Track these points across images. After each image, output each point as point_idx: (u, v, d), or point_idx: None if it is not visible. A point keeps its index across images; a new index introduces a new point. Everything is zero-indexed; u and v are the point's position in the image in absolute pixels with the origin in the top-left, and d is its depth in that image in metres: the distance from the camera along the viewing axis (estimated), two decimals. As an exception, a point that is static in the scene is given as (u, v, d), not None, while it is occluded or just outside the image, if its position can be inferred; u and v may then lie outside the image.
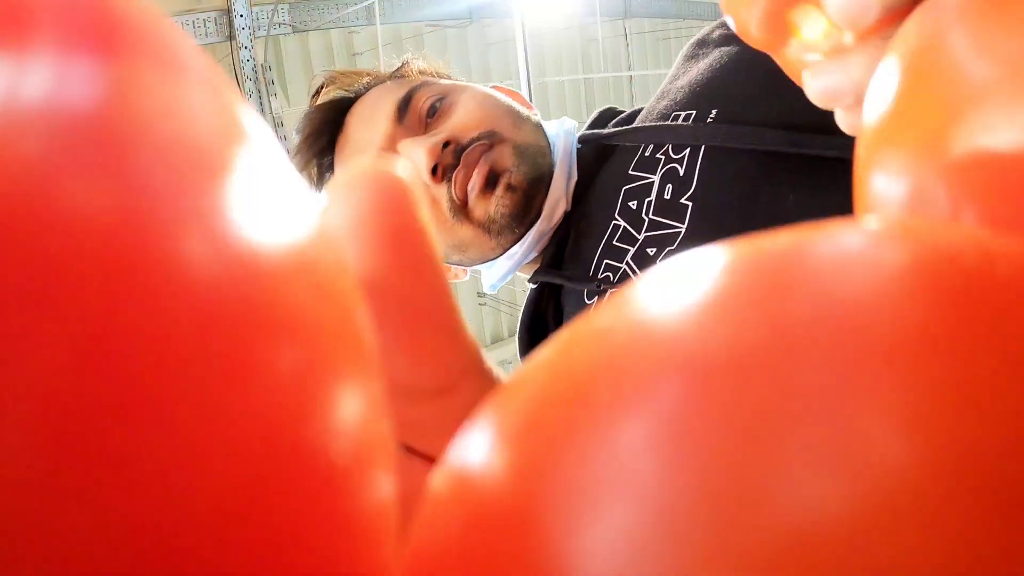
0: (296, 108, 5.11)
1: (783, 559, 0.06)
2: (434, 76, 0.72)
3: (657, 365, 0.07)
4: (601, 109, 0.72)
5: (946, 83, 0.13)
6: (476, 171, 0.59)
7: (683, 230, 0.53)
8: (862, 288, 0.07)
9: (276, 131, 4.25)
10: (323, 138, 0.69)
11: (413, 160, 0.61)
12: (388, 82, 0.69)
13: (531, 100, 2.90)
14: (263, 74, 4.07)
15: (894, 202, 0.14)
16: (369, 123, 0.66)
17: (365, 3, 4.27)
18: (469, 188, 0.60)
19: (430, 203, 0.62)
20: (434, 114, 0.64)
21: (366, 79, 0.71)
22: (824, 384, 0.06)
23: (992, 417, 0.06)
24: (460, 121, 0.62)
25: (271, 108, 4.16)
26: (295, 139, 0.72)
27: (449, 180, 0.60)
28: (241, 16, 3.96)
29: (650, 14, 5.95)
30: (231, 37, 4.05)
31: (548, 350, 0.09)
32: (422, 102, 0.64)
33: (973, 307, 0.07)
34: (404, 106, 0.64)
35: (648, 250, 0.54)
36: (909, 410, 0.06)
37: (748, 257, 0.08)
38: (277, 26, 4.25)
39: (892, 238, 0.08)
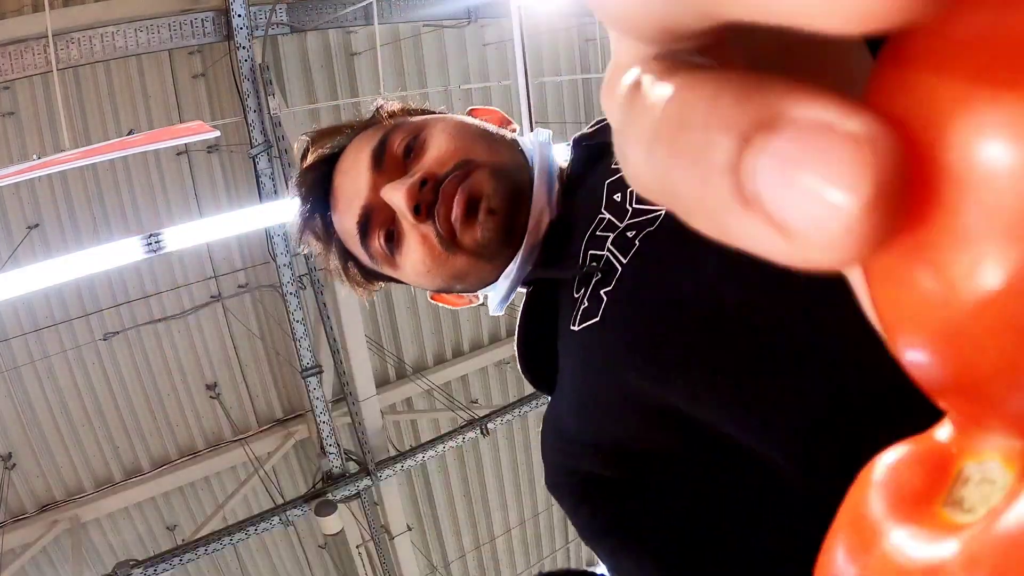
0: (294, 108, 5.10)
1: None
2: (405, 116, 0.73)
3: None
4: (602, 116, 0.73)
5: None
6: (455, 201, 0.61)
7: (663, 212, 0.52)
8: None
9: (274, 132, 4.24)
10: (317, 196, 0.71)
11: (395, 205, 0.62)
12: (367, 131, 0.71)
13: (529, 100, 2.89)
14: (261, 74, 4.06)
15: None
16: (352, 175, 0.67)
17: (363, 3, 4.27)
18: (453, 219, 0.61)
19: (420, 240, 0.63)
20: (410, 154, 0.65)
21: (346, 132, 0.73)
22: None
23: None
24: (433, 157, 0.64)
25: (269, 108, 4.15)
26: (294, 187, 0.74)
27: (433, 216, 0.62)
28: (239, 16, 3.95)
29: (648, 14, 5.93)
30: (229, 37, 4.04)
31: None
32: (396, 144, 0.66)
33: None
34: (380, 152, 0.66)
35: (628, 234, 0.55)
36: None
37: None
38: (275, 26, 4.24)
39: None
